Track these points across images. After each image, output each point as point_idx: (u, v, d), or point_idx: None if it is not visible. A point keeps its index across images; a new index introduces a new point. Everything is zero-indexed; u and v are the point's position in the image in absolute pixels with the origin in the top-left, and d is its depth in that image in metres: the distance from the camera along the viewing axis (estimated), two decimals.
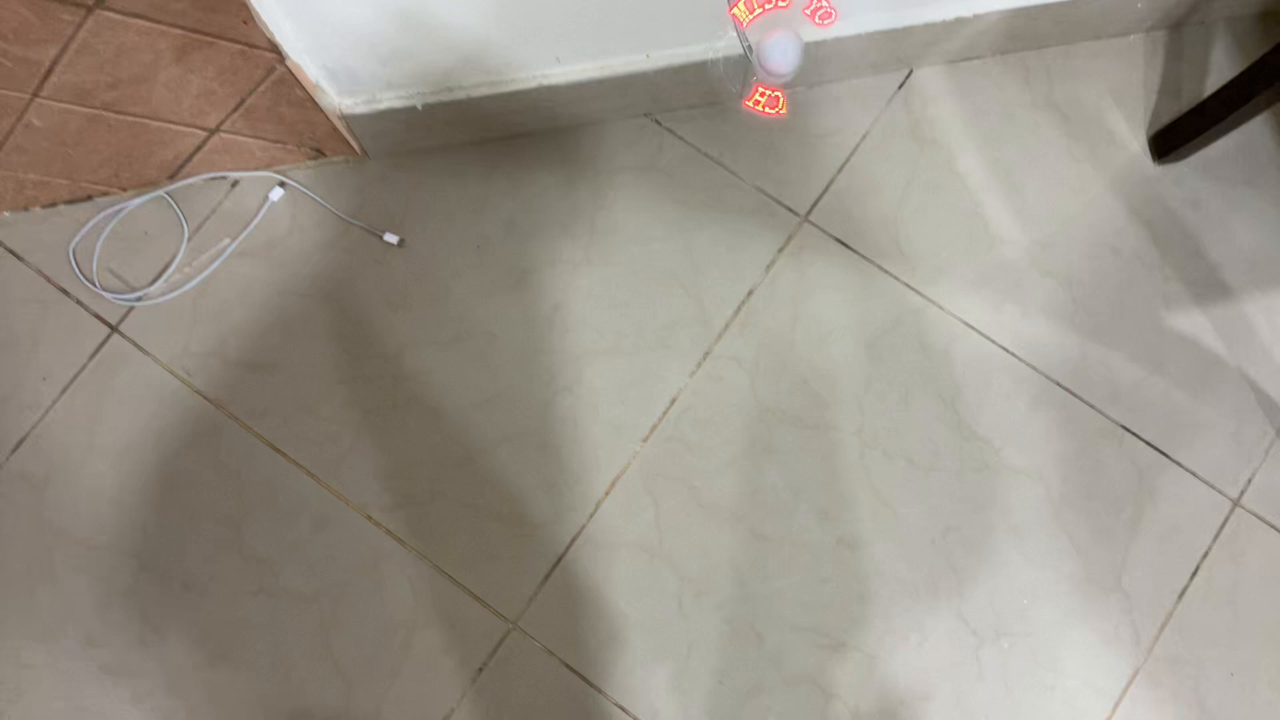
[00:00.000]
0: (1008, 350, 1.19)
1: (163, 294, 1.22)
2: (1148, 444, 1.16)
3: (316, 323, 1.21)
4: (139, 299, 1.22)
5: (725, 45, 1.08)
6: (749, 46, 0.79)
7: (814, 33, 1.15)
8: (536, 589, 1.14)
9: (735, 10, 0.78)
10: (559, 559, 1.15)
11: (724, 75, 1.09)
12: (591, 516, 1.15)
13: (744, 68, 1.01)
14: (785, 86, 0.82)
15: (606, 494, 1.16)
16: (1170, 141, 1.22)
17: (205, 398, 1.18)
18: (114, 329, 1.21)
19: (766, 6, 0.80)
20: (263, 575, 1.14)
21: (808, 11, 0.81)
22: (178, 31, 0.95)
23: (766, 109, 0.84)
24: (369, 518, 1.15)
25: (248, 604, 1.13)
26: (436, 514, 1.15)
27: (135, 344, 1.21)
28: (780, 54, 0.77)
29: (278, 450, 1.17)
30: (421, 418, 1.18)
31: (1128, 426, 1.17)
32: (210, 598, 1.13)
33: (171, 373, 1.20)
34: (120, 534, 1.15)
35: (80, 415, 1.18)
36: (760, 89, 0.83)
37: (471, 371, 1.19)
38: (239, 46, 0.99)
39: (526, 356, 1.20)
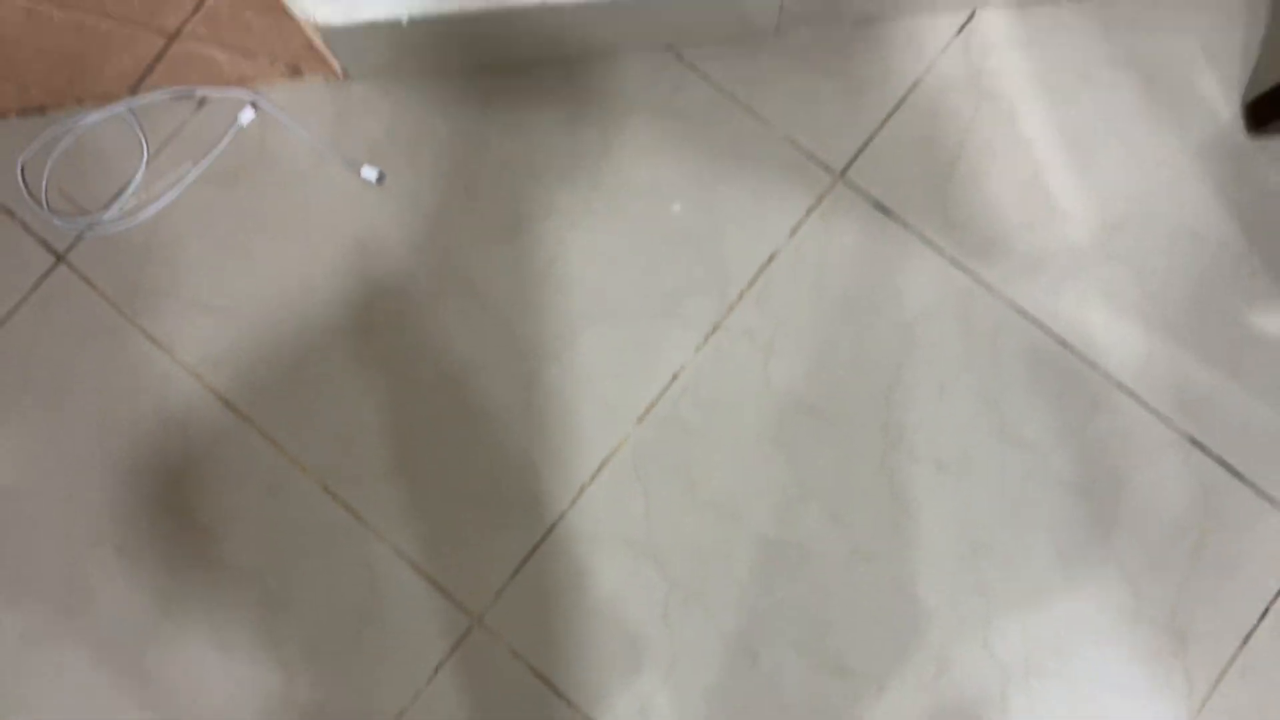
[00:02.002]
0: (1064, 343, 1.03)
1: (116, 221, 1.10)
2: (1218, 460, 1.01)
3: (281, 263, 1.08)
4: (89, 226, 1.09)
5: None
6: None
7: None
8: (506, 582, 1.01)
9: None
10: (533, 549, 1.01)
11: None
12: (574, 503, 1.02)
13: None
14: None
15: (592, 478, 1.03)
16: (1269, 111, 1.05)
17: (153, 340, 1.06)
18: (60, 258, 1.09)
19: None
20: (204, 543, 1.02)
21: None
22: None
23: None
24: (325, 488, 1.03)
25: (184, 573, 1.02)
26: (401, 490, 1.03)
27: (83, 276, 1.08)
28: None
29: (228, 404, 1.04)
30: (391, 380, 1.05)
31: (1196, 439, 1.01)
32: (144, 565, 1.02)
33: (119, 311, 1.07)
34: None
35: (14, 353, 1.06)
36: None
37: (451, 331, 1.06)
38: None
39: (514, 317, 1.06)
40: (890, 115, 1.09)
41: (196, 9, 0.96)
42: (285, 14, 0.96)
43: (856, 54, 1.09)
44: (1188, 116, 1.08)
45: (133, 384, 1.06)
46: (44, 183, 1.11)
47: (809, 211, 1.07)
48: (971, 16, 1.10)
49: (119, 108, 1.11)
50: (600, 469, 1.03)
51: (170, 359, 1.06)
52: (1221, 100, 1.09)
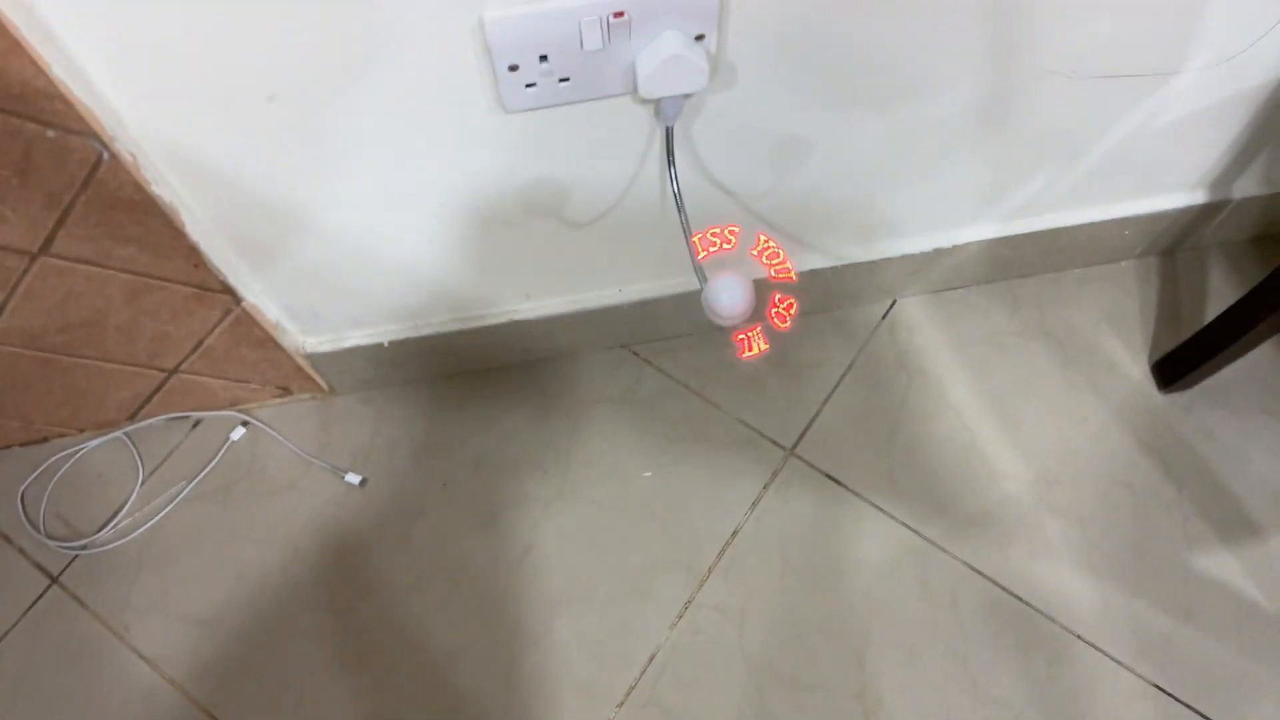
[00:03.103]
0: (1019, 597, 1.08)
1: (109, 541, 1.15)
2: (1186, 706, 1.03)
3: (268, 572, 1.12)
4: (83, 547, 1.15)
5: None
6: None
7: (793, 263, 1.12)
8: None
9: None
10: None
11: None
12: None
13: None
14: (739, 327, 0.77)
15: None
16: (1175, 369, 1.16)
17: (141, 657, 1.08)
18: (54, 580, 1.13)
19: (711, 249, 0.77)
20: None
21: (754, 253, 0.77)
22: (126, 276, 0.93)
23: (752, 348, 0.78)
24: None
25: None
26: None
27: (74, 596, 1.12)
28: (727, 297, 0.72)
29: (213, 718, 1.05)
30: (374, 678, 1.06)
31: (1162, 686, 1.03)
32: None
33: (109, 628, 1.10)
34: None
35: (6, 675, 1.08)
36: (739, 334, 0.77)
37: (431, 623, 1.09)
38: (192, 289, 0.96)
39: (492, 605, 1.10)
40: (831, 394, 1.19)
41: (194, 349, 1.06)
42: (275, 346, 1.07)
43: (795, 342, 1.21)
44: (1101, 378, 1.19)
45: (122, 699, 1.07)
46: (42, 508, 1.17)
47: (765, 486, 1.15)
48: (893, 304, 1.23)
49: (117, 433, 1.20)
50: None
51: (158, 675, 1.07)
52: (1130, 362, 1.19)
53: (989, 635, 1.06)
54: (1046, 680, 1.04)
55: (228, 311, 1.01)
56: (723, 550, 1.12)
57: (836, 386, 1.19)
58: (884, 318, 1.22)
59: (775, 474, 1.15)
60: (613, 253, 1.05)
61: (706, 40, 0.74)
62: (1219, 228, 1.21)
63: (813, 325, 1.22)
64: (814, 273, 1.13)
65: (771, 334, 0.80)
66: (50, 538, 1.15)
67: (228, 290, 0.97)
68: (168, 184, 0.82)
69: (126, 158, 0.77)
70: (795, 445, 1.16)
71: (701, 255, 0.77)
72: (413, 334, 1.11)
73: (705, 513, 1.14)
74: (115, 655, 1.09)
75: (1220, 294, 1.24)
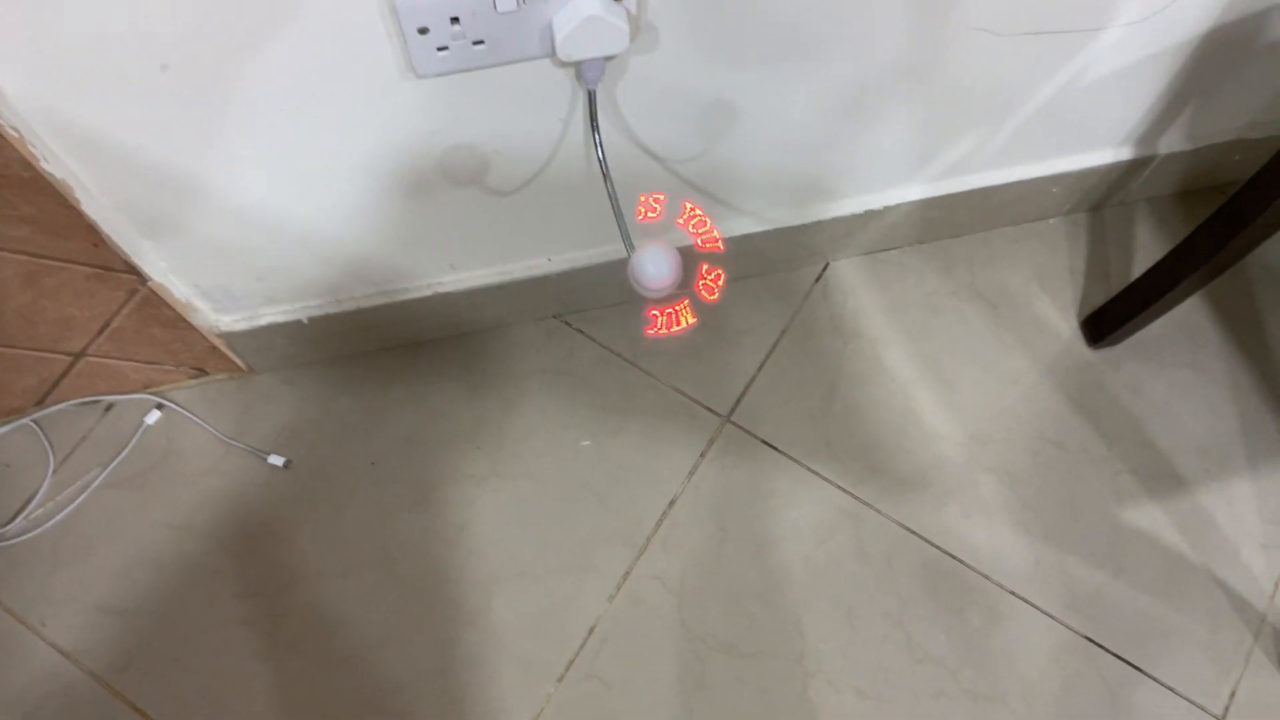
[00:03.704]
0: (953, 556, 1.08)
1: (21, 533, 1.10)
2: (1116, 657, 1.05)
3: (190, 559, 1.08)
4: None
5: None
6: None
7: (725, 229, 1.10)
8: None
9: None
10: None
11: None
12: None
13: None
14: (667, 299, 0.74)
15: None
16: (1103, 326, 1.17)
17: (58, 650, 1.04)
18: None
19: (637, 219, 0.74)
20: None
21: (681, 221, 0.75)
22: (22, 258, 0.88)
23: (666, 329, 0.76)
24: None
25: None
26: None
27: None
28: (653, 268, 0.70)
29: (137, 710, 1.02)
30: (306, 665, 1.04)
31: (1093, 638, 1.05)
32: None
33: (23, 623, 1.06)
34: None
35: None
36: (655, 310, 0.75)
37: (364, 607, 1.06)
38: (93, 269, 0.91)
39: (427, 586, 1.07)
40: (766, 360, 1.17)
41: (101, 330, 1.01)
42: (188, 325, 1.02)
43: (728, 308, 1.19)
44: (1032, 336, 1.19)
45: (40, 695, 1.02)
46: None
47: (702, 455, 1.13)
48: (826, 267, 1.22)
49: (25, 420, 1.14)
50: None
51: (77, 669, 1.03)
52: (1060, 319, 1.20)
53: (924, 594, 1.07)
54: (982, 636, 1.05)
55: (134, 292, 0.96)
56: (660, 520, 1.11)
57: (771, 352, 1.18)
58: (817, 281, 1.21)
59: (711, 441, 1.14)
60: (540, 221, 1.01)
61: (626, 0, 0.71)
62: (1145, 183, 1.22)
63: (746, 290, 1.20)
64: (745, 237, 1.11)
65: (703, 303, 0.78)
66: None
67: (132, 269, 0.92)
68: (59, 160, 0.77)
69: (11, 133, 0.72)
70: (731, 412, 1.15)
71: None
72: (333, 309, 1.07)
73: (642, 483, 1.12)
74: (32, 650, 1.04)
75: (1147, 249, 1.25)
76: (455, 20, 0.70)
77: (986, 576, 1.07)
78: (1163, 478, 1.12)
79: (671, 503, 1.11)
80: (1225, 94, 1.09)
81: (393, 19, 0.69)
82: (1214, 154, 1.18)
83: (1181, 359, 1.18)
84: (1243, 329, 1.20)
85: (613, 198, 0.80)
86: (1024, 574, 1.08)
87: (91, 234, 0.85)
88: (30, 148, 0.74)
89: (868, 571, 1.08)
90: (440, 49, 0.72)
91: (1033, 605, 1.06)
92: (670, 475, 1.13)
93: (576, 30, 0.70)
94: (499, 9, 0.69)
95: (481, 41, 0.72)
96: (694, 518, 1.11)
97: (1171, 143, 1.16)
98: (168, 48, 0.69)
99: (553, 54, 0.73)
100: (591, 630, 1.06)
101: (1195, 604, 1.06)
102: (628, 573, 1.08)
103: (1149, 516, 1.10)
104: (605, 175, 0.80)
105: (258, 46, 0.70)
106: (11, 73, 0.68)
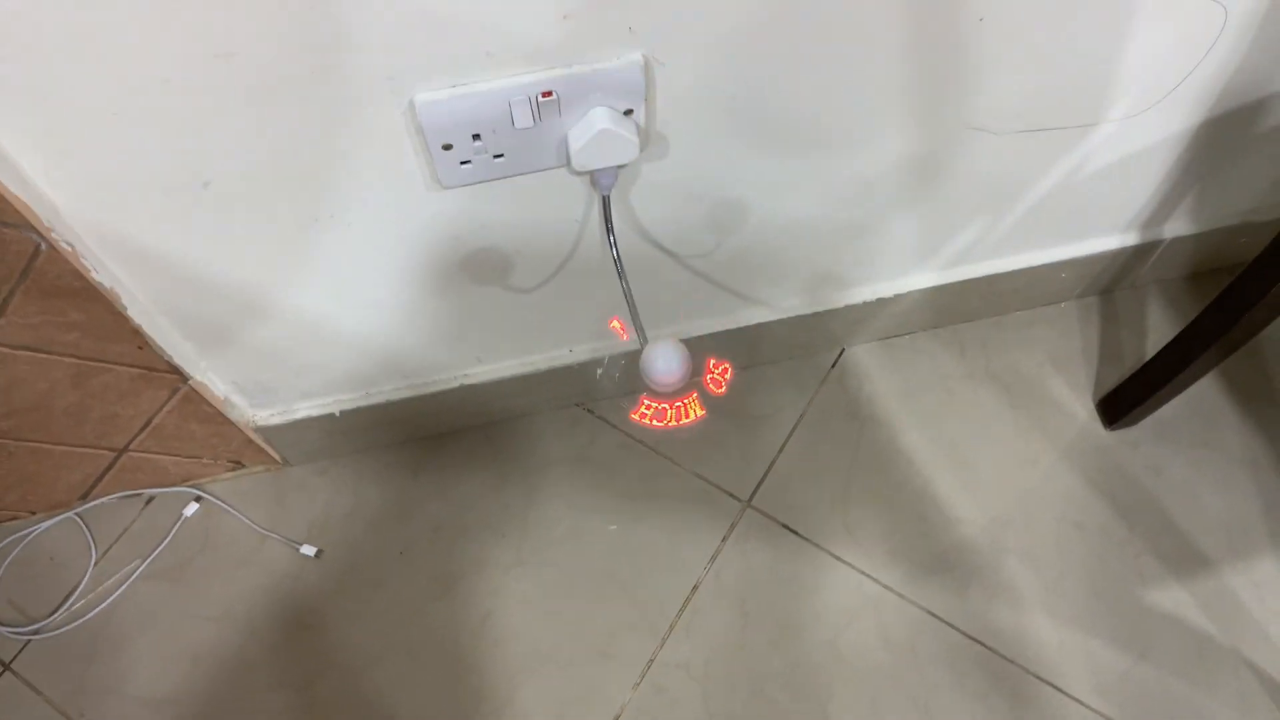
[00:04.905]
0: (978, 641, 1.08)
1: (62, 625, 1.13)
2: None
3: (225, 650, 1.11)
4: (35, 632, 1.13)
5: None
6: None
7: (740, 318, 1.14)
8: None
9: (614, 324, 0.75)
10: None
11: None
12: None
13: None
14: (675, 394, 0.78)
15: None
16: (1119, 407, 1.18)
17: None
18: (6, 667, 1.11)
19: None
20: None
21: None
22: (71, 360, 0.92)
23: (654, 421, 0.79)
24: None
25: None
26: None
27: (27, 683, 1.10)
28: (663, 364, 0.73)
29: None
30: None
31: None
32: None
33: (63, 714, 1.08)
34: None
35: None
36: (644, 401, 0.78)
37: (393, 695, 1.08)
38: (138, 370, 0.96)
39: (454, 674, 1.09)
40: (784, 444, 1.20)
41: (144, 427, 1.05)
42: (225, 420, 1.06)
43: (747, 393, 1.22)
44: (1048, 418, 1.21)
45: None
46: None
47: (723, 539, 1.15)
48: (841, 353, 1.24)
49: (69, 513, 1.18)
50: None
51: None
52: (1075, 401, 1.22)
53: (950, 680, 1.07)
54: None
55: (175, 390, 1.01)
56: (683, 606, 1.12)
57: (790, 437, 1.20)
58: (834, 366, 1.24)
59: (733, 526, 1.16)
60: (560, 315, 1.06)
61: (635, 114, 0.76)
62: (1154, 267, 1.24)
63: (764, 376, 1.23)
64: (761, 326, 1.14)
65: (711, 395, 0.81)
66: (1, 624, 1.13)
67: (174, 370, 0.97)
68: (108, 270, 0.83)
69: (65, 248, 0.78)
70: (751, 497, 1.17)
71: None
72: (364, 403, 1.11)
73: (665, 569, 1.14)
74: None
75: (1159, 330, 1.27)
76: (477, 137, 0.75)
77: (1011, 661, 1.07)
78: (1185, 558, 1.12)
79: (694, 589, 1.13)
80: (1227, 179, 1.12)
81: (419, 138, 0.74)
82: (1220, 237, 1.21)
83: (1199, 438, 1.19)
84: (1259, 406, 1.21)
85: (628, 294, 0.84)
86: (1049, 658, 1.07)
87: (137, 338, 0.91)
88: (82, 260, 0.80)
89: (892, 657, 1.08)
90: (463, 162, 0.77)
91: (1059, 690, 1.06)
92: (692, 561, 1.14)
93: (590, 143, 0.74)
94: (517, 125, 0.74)
95: (502, 155, 0.77)
96: (716, 604, 1.12)
97: (1177, 227, 1.18)
98: (209, 166, 0.74)
99: (568, 164, 0.78)
100: (616, 718, 1.07)
101: (1224, 685, 1.05)
102: (651, 660, 1.09)
103: (1173, 597, 1.10)
104: (620, 274, 0.84)
105: (295, 166, 0.75)
106: (65, 190, 0.74)
